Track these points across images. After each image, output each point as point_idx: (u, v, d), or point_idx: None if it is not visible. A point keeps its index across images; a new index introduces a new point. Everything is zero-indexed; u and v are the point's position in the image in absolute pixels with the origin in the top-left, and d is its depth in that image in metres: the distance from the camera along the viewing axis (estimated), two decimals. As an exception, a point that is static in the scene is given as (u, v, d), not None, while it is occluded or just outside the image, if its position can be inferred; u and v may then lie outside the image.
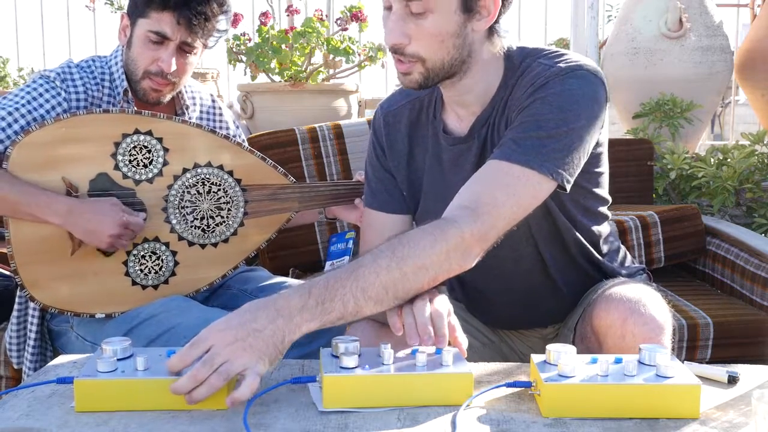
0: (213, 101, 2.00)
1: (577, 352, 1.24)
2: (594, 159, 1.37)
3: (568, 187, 1.27)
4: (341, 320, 1.12)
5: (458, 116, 1.41)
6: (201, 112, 1.95)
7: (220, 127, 1.98)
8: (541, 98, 1.27)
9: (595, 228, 1.46)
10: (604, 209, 1.48)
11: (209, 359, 1.04)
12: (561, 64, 1.29)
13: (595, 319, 1.30)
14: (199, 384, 1.03)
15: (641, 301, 1.26)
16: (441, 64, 1.29)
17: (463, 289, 1.58)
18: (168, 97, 1.79)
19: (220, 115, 2.00)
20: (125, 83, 1.76)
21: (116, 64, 1.78)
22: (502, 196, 1.22)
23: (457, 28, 1.27)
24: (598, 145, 1.36)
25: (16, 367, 1.85)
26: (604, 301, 1.30)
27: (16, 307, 1.80)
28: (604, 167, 1.43)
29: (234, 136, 1.98)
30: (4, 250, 1.67)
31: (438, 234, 1.17)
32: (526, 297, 1.49)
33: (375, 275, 1.13)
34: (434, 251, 1.16)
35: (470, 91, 1.36)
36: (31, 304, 1.77)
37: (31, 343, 1.78)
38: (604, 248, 1.49)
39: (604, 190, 1.45)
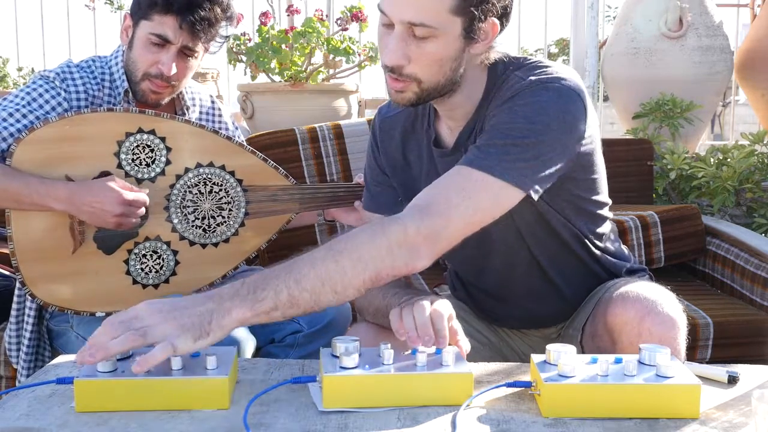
0: (212, 102, 2.00)
1: (586, 351, 1.24)
2: (583, 169, 1.36)
3: (536, 197, 1.24)
4: (276, 311, 1.10)
5: (449, 128, 1.41)
6: (200, 112, 1.95)
7: (219, 128, 1.98)
8: (509, 108, 1.26)
9: (594, 228, 1.46)
10: (603, 211, 1.47)
11: (129, 321, 1.04)
12: (533, 77, 1.27)
13: (609, 317, 1.30)
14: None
15: (658, 300, 1.27)
16: (436, 86, 1.29)
17: (466, 289, 1.58)
18: (167, 99, 1.79)
19: (220, 116, 2.00)
20: (126, 83, 1.76)
21: (116, 64, 1.78)
22: (457, 198, 1.20)
23: (457, 53, 1.27)
24: (585, 154, 1.33)
25: (15, 366, 1.85)
26: (620, 299, 1.30)
27: (14, 306, 1.80)
28: (599, 173, 1.41)
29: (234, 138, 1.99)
30: (5, 251, 1.68)
31: (378, 229, 1.17)
32: (527, 299, 1.49)
33: (310, 266, 1.12)
34: (373, 245, 1.14)
35: (459, 107, 1.37)
36: (28, 303, 1.77)
37: (26, 342, 1.78)
38: (606, 245, 1.49)
39: (601, 195, 1.45)
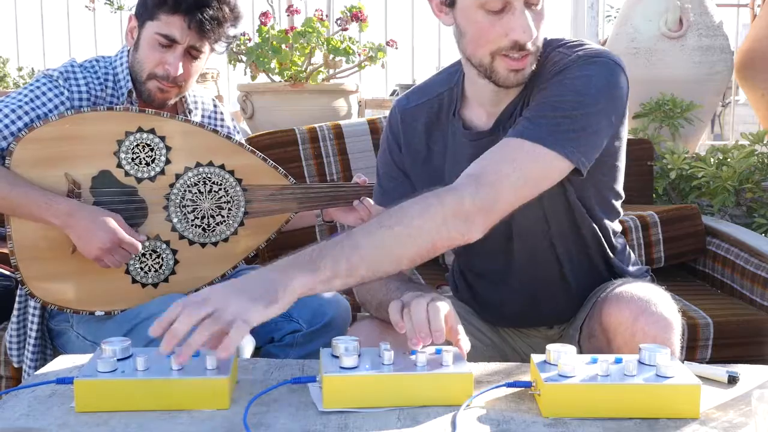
0: (215, 106, 2.00)
1: (584, 351, 1.24)
2: (613, 151, 1.38)
3: (584, 171, 1.26)
4: (337, 279, 1.11)
5: (486, 112, 1.40)
6: (203, 116, 1.95)
7: (222, 132, 1.97)
8: (558, 81, 1.28)
9: (608, 223, 1.46)
10: (618, 204, 1.49)
11: (201, 303, 1.04)
12: (580, 52, 1.31)
13: (604, 317, 1.30)
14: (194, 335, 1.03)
15: (652, 300, 1.27)
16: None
17: (470, 288, 1.58)
18: (173, 100, 1.79)
19: (222, 119, 2.00)
20: (130, 84, 1.76)
21: (121, 65, 1.78)
22: (508, 168, 1.21)
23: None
24: (617, 138, 1.37)
25: (16, 366, 1.85)
26: (615, 299, 1.30)
27: (16, 306, 1.80)
28: (621, 163, 1.44)
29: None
30: (4, 250, 1.68)
31: (433, 199, 1.17)
32: (537, 293, 1.48)
33: (367, 236, 1.13)
34: (429, 214, 1.16)
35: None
36: (32, 303, 1.77)
37: (32, 341, 1.78)
38: (616, 245, 1.49)
39: (619, 185, 1.47)
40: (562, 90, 1.27)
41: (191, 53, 1.72)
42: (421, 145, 1.48)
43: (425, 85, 1.51)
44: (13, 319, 1.81)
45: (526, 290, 1.49)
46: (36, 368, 1.78)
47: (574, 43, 1.35)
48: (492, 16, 1.25)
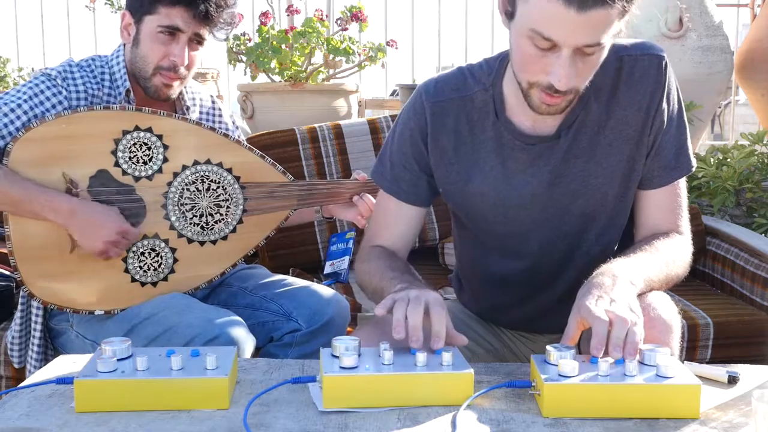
0: (213, 102, 1.99)
1: (583, 353, 1.24)
2: None
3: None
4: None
5: (532, 116, 1.35)
6: (201, 113, 1.95)
7: (220, 128, 1.97)
8: (676, 100, 1.40)
9: (625, 226, 1.46)
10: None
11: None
12: (655, 52, 1.40)
13: None
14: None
15: (651, 304, 1.26)
16: (585, 87, 1.28)
17: (480, 291, 1.56)
18: (176, 93, 1.79)
19: (220, 116, 1.99)
20: (128, 83, 1.75)
21: (118, 63, 1.77)
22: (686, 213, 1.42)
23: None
24: None
25: (16, 366, 1.85)
26: None
27: (19, 307, 1.80)
28: None
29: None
30: (5, 251, 1.68)
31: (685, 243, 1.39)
32: (557, 301, 1.45)
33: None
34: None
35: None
36: (34, 303, 1.77)
37: (36, 342, 1.78)
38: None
39: None
40: (680, 108, 1.40)
41: (194, 41, 1.72)
42: (449, 141, 1.41)
43: (457, 79, 1.42)
44: (16, 320, 1.81)
45: (548, 295, 1.47)
46: (39, 368, 1.77)
47: (620, 44, 1.36)
48: (538, 51, 1.20)
